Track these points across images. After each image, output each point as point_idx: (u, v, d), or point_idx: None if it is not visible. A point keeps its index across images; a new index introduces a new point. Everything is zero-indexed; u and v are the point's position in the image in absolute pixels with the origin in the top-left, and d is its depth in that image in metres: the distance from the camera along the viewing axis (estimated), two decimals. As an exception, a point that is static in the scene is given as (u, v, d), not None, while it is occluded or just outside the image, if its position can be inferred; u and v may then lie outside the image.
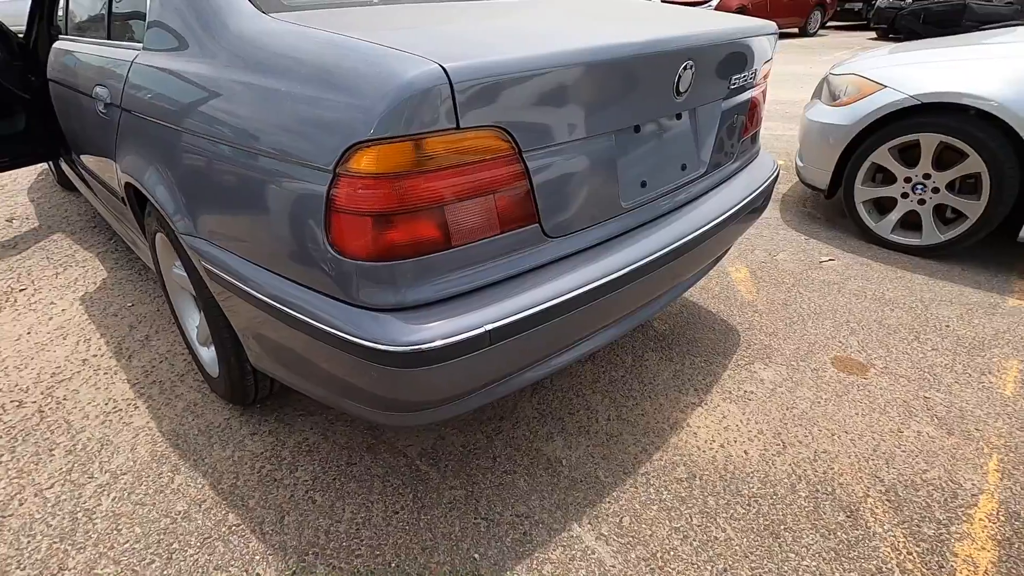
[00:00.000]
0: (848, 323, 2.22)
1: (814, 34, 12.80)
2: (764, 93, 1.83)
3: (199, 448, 1.63)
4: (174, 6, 1.37)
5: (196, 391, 1.86)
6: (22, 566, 1.30)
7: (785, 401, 1.81)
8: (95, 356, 2.04)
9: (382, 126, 0.91)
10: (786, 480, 1.52)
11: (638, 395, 1.84)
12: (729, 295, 2.42)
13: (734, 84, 1.56)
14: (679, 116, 1.44)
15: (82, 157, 2.26)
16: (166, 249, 1.73)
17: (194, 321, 1.84)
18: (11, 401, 1.82)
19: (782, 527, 1.39)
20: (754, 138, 1.84)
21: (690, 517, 1.42)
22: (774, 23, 1.74)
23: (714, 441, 1.65)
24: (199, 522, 1.40)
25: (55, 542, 1.36)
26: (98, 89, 1.69)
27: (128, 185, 1.66)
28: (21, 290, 2.50)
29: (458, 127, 0.96)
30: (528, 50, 1.04)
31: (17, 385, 1.90)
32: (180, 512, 1.43)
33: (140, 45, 1.49)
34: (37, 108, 2.84)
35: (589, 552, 1.34)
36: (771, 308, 2.32)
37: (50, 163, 3.74)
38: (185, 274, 1.57)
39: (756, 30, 1.59)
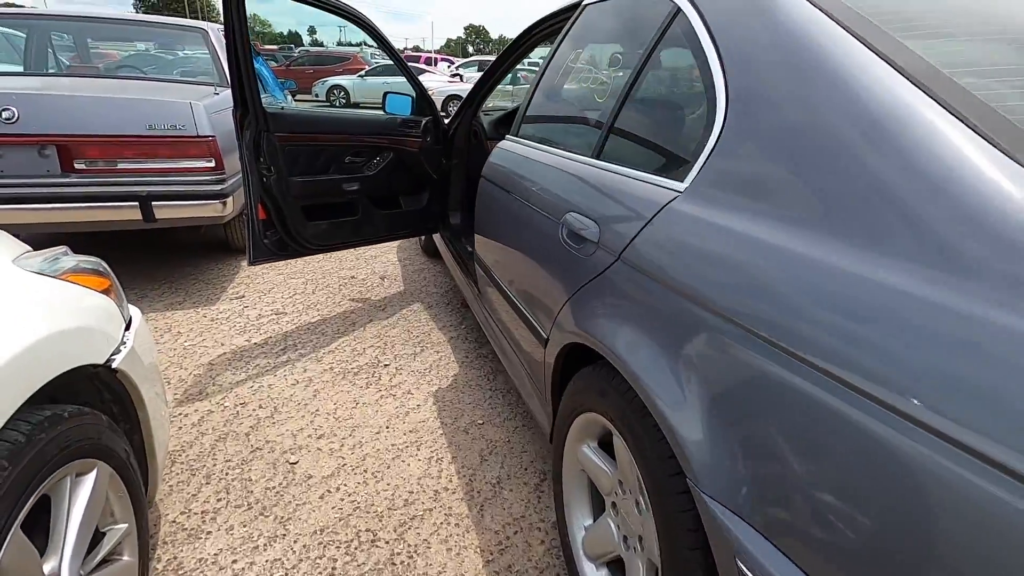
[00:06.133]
0: None
1: None
2: None
3: None
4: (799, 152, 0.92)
5: (559, 611, 1.39)
6: None
7: None
8: (446, 490, 1.77)
9: None
10: None
11: None
12: None
13: None
14: None
15: (491, 260, 2.07)
16: (584, 429, 1.31)
17: (583, 520, 1.39)
18: (366, 530, 1.60)
19: None
20: None
21: None
22: None
23: None
24: None
25: None
26: (572, 217, 1.37)
27: (573, 344, 1.29)
28: (385, 365, 2.49)
29: None
30: None
31: (373, 505, 1.69)
32: None
33: (681, 185, 1.08)
34: (439, 189, 2.99)
35: None
36: None
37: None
38: (605, 468, 1.09)
39: None
